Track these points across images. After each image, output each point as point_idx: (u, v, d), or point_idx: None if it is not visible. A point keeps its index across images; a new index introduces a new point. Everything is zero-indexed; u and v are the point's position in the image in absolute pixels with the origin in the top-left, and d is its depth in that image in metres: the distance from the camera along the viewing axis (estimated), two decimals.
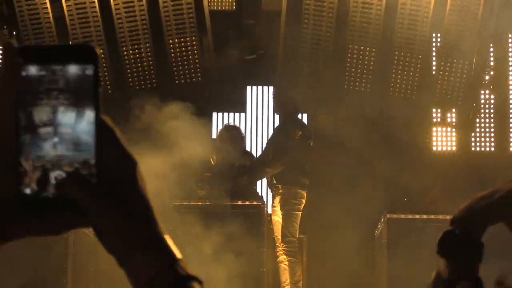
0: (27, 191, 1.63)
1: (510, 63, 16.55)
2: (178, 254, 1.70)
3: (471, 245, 2.88)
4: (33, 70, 1.64)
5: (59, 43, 2.03)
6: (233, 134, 15.04)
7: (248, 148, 15.96)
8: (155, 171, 14.81)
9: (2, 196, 1.62)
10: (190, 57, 15.58)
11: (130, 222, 1.67)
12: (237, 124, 16.21)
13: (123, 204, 1.66)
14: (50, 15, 15.31)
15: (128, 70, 15.53)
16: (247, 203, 14.28)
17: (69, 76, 1.67)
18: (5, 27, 15.43)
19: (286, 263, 14.04)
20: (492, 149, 16.63)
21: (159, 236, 1.70)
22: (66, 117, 1.67)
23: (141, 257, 1.69)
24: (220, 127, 15.99)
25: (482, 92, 15.99)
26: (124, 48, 15.47)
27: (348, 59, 15.42)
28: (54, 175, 1.66)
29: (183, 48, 15.55)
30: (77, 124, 1.68)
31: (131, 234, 1.70)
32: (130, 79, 15.57)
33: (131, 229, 1.69)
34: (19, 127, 1.64)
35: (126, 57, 15.52)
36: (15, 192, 1.62)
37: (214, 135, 15.97)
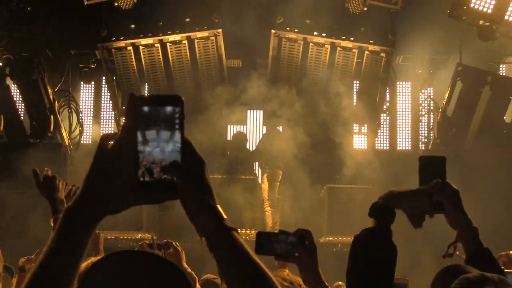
0: (141, 179, 1.74)
1: (398, 99, 16.59)
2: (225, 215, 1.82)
3: (388, 212, 3.05)
4: (146, 109, 1.75)
5: (162, 94, 2.07)
6: (242, 138, 15.26)
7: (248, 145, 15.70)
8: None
9: (131, 182, 1.73)
10: (214, 92, 15.05)
11: (200, 194, 1.78)
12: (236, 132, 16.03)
13: (196, 185, 1.77)
14: (135, 67, 15.04)
15: None
16: (247, 177, 14.29)
17: (166, 112, 1.77)
18: (109, 74, 15.13)
19: (270, 212, 14.02)
20: (387, 147, 16.63)
21: (215, 204, 1.80)
22: (164, 136, 1.76)
23: (205, 216, 1.79)
24: (233, 133, 15.99)
25: (382, 115, 15.93)
26: (176, 88, 15.14)
27: (306, 95, 15.07)
28: (157, 169, 1.75)
29: (209, 88, 15.13)
30: (170, 140, 1.76)
31: (200, 202, 1.80)
32: None
33: (200, 199, 1.79)
34: (138, 141, 1.75)
35: (178, 93, 14.69)
36: (136, 179, 1.74)
37: (229, 138, 15.98)
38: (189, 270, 5.59)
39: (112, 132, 1.85)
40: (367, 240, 3.03)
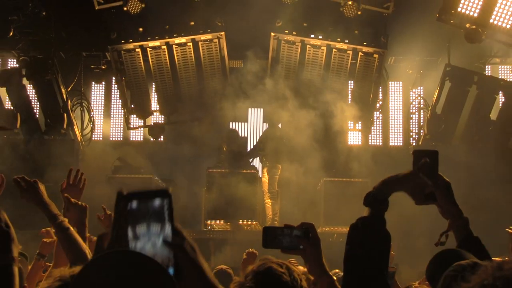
0: None
1: (390, 97, 16.60)
2: None
3: (382, 201, 3.04)
4: (134, 205, 1.66)
5: (150, 189, 1.89)
6: (234, 134, 15.19)
7: (249, 141, 15.75)
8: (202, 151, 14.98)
9: None
10: (217, 91, 15.18)
11: (197, 279, 1.70)
12: (238, 128, 16.00)
13: (192, 273, 1.67)
14: (143, 67, 15.01)
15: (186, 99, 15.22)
16: (248, 171, 14.20)
17: (155, 206, 1.67)
18: (119, 74, 15.06)
19: (270, 204, 14.00)
20: (380, 143, 16.65)
21: (213, 281, 1.72)
22: (155, 230, 1.66)
23: None
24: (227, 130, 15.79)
25: (375, 112, 15.81)
26: (182, 87, 15.09)
27: (304, 93, 14.98)
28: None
29: (213, 87, 15.15)
30: (161, 233, 1.66)
31: (199, 284, 1.69)
32: (185, 104, 15.20)
33: (199, 283, 1.70)
34: (129, 238, 1.65)
35: (184, 92, 15.16)
36: None
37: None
38: None
39: (108, 231, 1.78)
40: (362, 228, 3.02)
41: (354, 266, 3.03)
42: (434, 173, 3.15)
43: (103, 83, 16.43)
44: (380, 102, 16.08)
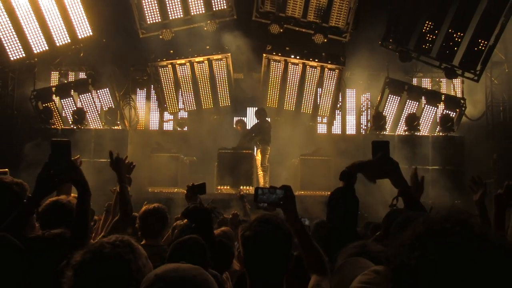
0: None
1: (347, 100, 16.45)
2: None
3: (353, 176, 3.06)
4: None
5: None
6: (241, 121, 15.11)
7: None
8: (218, 135, 14.80)
9: None
10: (225, 95, 15.26)
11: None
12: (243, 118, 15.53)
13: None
14: (173, 78, 15.07)
15: (202, 102, 15.12)
16: (246, 151, 14.01)
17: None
18: (156, 83, 15.06)
19: (262, 175, 13.83)
20: (340, 132, 16.48)
21: None
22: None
23: None
24: (235, 120, 15.45)
25: (336, 110, 15.67)
26: (200, 92, 15.04)
27: (285, 100, 15.04)
28: None
29: (222, 92, 15.16)
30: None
31: None
32: (202, 104, 15.17)
33: None
34: None
35: (201, 95, 15.18)
36: None
37: (234, 126, 15.50)
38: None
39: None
40: (339, 194, 3.08)
41: (334, 220, 3.06)
42: (388, 157, 3.10)
43: (145, 89, 16.48)
44: (340, 103, 16.14)
